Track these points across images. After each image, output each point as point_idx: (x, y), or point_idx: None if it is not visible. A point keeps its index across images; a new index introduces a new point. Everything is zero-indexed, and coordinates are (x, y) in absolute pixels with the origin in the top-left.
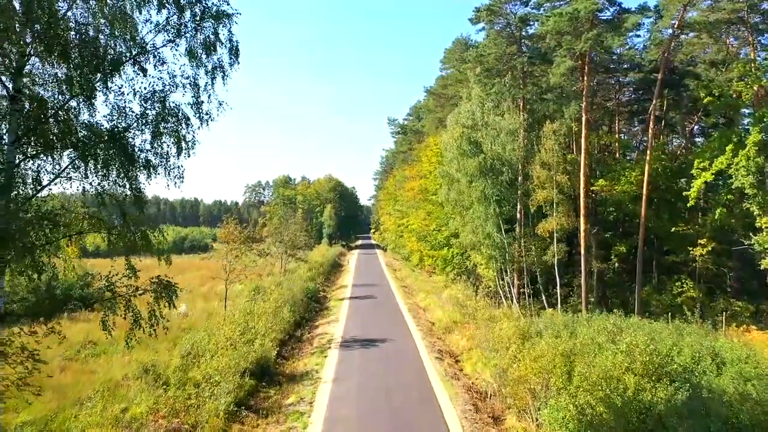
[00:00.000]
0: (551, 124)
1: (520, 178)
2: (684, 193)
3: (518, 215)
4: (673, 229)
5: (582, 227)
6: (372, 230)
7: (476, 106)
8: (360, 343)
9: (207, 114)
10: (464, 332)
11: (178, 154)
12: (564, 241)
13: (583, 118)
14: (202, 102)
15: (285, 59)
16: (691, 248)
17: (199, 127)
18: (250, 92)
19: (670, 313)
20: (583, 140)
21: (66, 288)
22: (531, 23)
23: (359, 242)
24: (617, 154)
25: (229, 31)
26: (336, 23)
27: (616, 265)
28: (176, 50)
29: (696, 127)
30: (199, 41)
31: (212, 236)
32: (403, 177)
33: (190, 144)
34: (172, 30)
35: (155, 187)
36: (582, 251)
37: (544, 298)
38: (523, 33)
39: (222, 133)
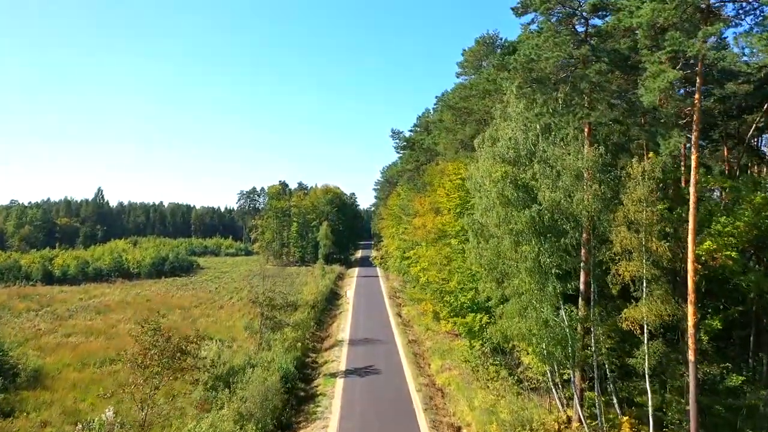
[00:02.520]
0: (639, 162)
1: (584, 236)
2: None
3: (582, 286)
4: None
5: (690, 319)
6: (372, 252)
7: (519, 131)
8: None
9: None
10: None
11: None
12: (660, 336)
13: (693, 157)
14: None
15: (284, 58)
16: None
17: None
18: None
19: None
20: (692, 189)
21: None
22: (606, 13)
23: (359, 254)
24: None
25: None
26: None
27: (706, 345)
28: None
29: None
30: None
31: (203, 248)
32: (408, 199)
33: None
34: None
35: (149, 193)
36: (690, 355)
37: (615, 401)
38: (589, 29)
39: (219, 134)
